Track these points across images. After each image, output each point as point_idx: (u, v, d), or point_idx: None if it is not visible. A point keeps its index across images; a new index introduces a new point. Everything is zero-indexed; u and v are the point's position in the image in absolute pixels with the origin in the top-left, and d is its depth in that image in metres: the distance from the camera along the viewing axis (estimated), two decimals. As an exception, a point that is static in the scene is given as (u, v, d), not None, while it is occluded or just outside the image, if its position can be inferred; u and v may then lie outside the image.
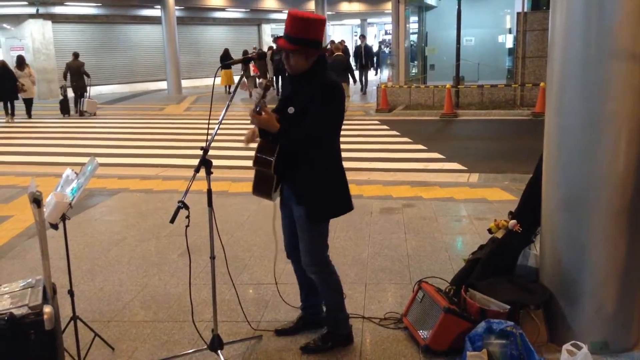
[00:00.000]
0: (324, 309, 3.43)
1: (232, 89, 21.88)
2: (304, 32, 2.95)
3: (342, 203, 3.21)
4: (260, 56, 3.06)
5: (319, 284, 3.28)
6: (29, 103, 16.15)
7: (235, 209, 6.33)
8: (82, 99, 16.70)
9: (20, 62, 16.17)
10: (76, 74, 16.56)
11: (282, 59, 3.09)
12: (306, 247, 3.18)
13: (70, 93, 16.71)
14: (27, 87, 15.85)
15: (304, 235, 3.17)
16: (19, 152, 10.95)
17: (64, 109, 16.49)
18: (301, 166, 3.07)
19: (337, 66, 14.53)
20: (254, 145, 3.20)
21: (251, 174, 3.22)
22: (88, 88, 16.94)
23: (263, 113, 2.94)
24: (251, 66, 19.28)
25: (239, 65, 18.36)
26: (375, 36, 46.61)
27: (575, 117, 3.03)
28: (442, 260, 4.68)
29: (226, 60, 18.29)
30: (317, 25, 2.99)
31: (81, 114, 16.54)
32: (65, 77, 16.74)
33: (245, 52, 20.01)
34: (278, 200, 3.32)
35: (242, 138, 3.28)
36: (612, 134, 2.97)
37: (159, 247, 5.20)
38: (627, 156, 2.98)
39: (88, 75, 16.79)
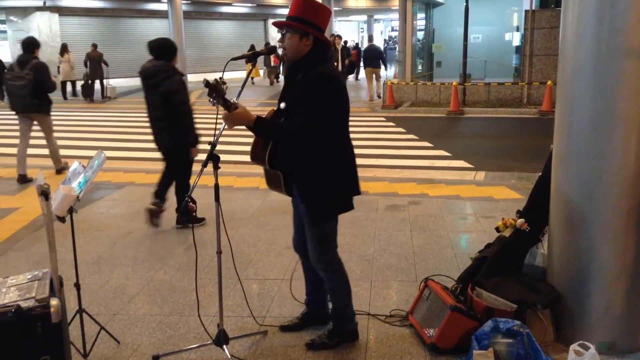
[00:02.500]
0: (330, 305, 3.42)
1: (253, 81, 23.05)
2: (304, 12, 2.93)
3: (343, 202, 3.12)
4: (270, 51, 3.04)
5: (326, 280, 3.27)
6: (64, 85, 18.39)
7: (241, 204, 6.32)
8: (102, 86, 18.90)
9: (63, 48, 18.38)
10: (95, 63, 18.22)
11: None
12: (313, 243, 3.16)
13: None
14: (66, 71, 18.14)
15: (310, 232, 3.15)
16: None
17: (88, 93, 18.29)
18: (302, 163, 3.02)
19: (371, 55, 16.97)
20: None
21: (256, 169, 3.22)
22: (106, 76, 19.07)
23: (235, 109, 2.86)
24: (272, 57, 20.13)
25: (260, 58, 19.69)
26: (381, 33, 46.49)
27: (585, 116, 3.01)
28: (448, 258, 4.67)
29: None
30: (320, 9, 2.97)
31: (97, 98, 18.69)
32: (85, 65, 18.39)
33: (267, 44, 20.57)
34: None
35: (248, 148, 3.18)
36: (623, 133, 2.95)
37: (165, 241, 5.20)
38: (637, 155, 2.95)
39: (107, 64, 18.69)
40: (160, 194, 5.45)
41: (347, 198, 3.13)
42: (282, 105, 3.03)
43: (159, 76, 5.08)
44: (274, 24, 3.03)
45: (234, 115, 2.88)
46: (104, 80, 18.95)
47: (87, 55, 18.46)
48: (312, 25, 2.94)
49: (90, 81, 18.26)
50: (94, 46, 18.76)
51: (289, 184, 3.13)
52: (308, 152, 2.98)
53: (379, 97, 16.75)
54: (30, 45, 7.18)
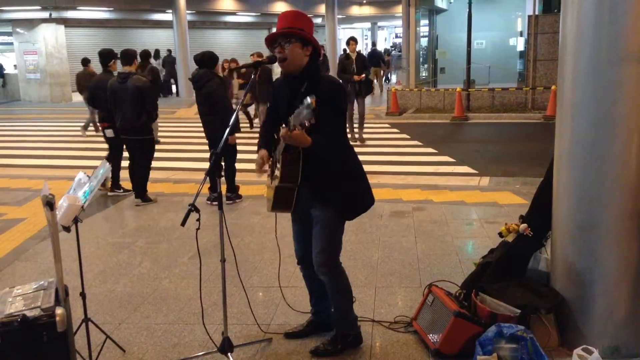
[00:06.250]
0: (333, 311, 3.43)
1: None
2: (296, 22, 2.99)
3: (368, 197, 3.25)
4: (271, 61, 3.07)
5: (328, 284, 3.28)
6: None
7: (245, 212, 6.35)
8: (177, 86, 23.03)
9: (156, 54, 21.59)
10: (169, 65, 22.54)
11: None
12: (323, 246, 3.17)
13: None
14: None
15: (324, 235, 3.15)
16: (32, 155, 11.06)
17: (167, 90, 22.23)
18: (325, 167, 3.08)
19: (374, 57, 20.44)
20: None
21: (260, 176, 3.23)
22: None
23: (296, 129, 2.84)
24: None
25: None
26: (385, 39, 46.60)
27: (586, 119, 3.02)
28: (452, 263, 4.67)
29: None
30: (306, 19, 3.06)
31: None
32: (163, 66, 22.18)
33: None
34: None
35: (254, 167, 3.18)
36: (624, 136, 2.95)
37: (170, 250, 5.23)
38: (638, 159, 2.96)
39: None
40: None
41: (369, 193, 3.25)
42: None
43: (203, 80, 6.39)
44: (273, 35, 3.02)
45: (293, 135, 2.81)
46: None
47: (163, 60, 22.59)
48: (308, 34, 3.01)
49: (167, 80, 22.18)
50: (169, 51, 22.91)
51: (299, 196, 3.13)
52: (335, 155, 3.10)
53: (380, 90, 20.32)
54: (146, 56, 11.18)
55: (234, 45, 28.97)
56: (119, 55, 6.93)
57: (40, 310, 2.63)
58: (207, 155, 7.32)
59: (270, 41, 3.04)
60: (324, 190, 3.11)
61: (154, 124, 10.06)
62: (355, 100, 10.63)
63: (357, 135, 11.03)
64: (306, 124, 2.75)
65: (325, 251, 3.18)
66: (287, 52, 2.98)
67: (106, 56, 7.17)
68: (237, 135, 6.61)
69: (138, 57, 8.81)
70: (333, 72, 18.21)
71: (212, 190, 6.65)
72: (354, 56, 10.57)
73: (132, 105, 6.58)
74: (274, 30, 3.11)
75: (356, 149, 3.30)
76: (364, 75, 10.47)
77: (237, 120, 5.81)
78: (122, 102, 6.64)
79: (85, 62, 12.77)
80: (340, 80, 9.88)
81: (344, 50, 11.43)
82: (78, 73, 13.18)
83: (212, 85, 6.33)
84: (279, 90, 3.23)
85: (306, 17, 3.08)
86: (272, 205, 3.15)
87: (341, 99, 3.07)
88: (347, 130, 9.83)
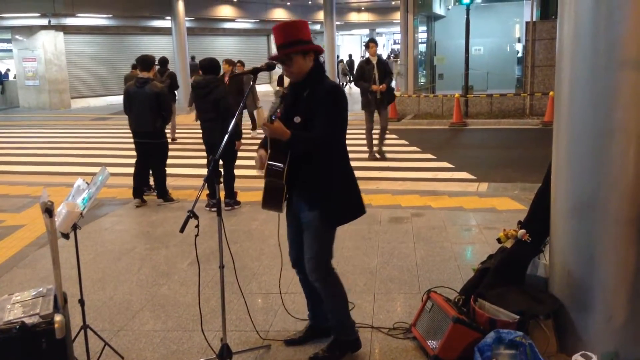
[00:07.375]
0: (329, 316, 3.43)
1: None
2: (293, 34, 3.06)
3: (357, 206, 3.25)
4: (270, 67, 3.10)
5: (322, 291, 3.28)
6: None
7: (244, 218, 6.35)
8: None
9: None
10: (192, 71, 21.95)
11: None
12: (313, 253, 3.19)
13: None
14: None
15: (312, 241, 3.18)
16: (31, 162, 11.06)
17: None
18: (315, 171, 3.11)
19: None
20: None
21: (259, 182, 3.24)
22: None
23: (275, 122, 2.96)
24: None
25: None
26: (384, 46, 46.72)
27: (584, 125, 3.03)
28: (451, 269, 4.67)
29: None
30: (301, 26, 3.13)
31: None
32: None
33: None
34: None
35: (253, 163, 3.26)
36: (621, 142, 2.96)
37: (169, 257, 5.22)
38: (636, 164, 2.97)
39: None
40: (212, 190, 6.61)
41: (361, 202, 3.27)
42: (297, 119, 3.10)
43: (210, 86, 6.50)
44: (272, 58, 3.14)
45: (272, 127, 2.96)
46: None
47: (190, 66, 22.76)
48: (305, 42, 3.07)
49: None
50: (192, 58, 22.82)
51: (289, 198, 3.18)
52: (326, 159, 3.11)
53: None
54: (165, 62, 12.10)
55: (233, 51, 28.99)
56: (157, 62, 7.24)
57: (39, 317, 2.63)
58: (205, 161, 7.37)
59: (276, 60, 3.14)
60: (311, 193, 3.15)
61: (171, 124, 11.05)
62: (377, 112, 9.80)
63: (376, 149, 10.04)
64: (277, 113, 2.97)
65: (315, 258, 3.20)
66: (293, 67, 3.09)
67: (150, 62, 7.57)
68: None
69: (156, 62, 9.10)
70: (331, 75, 18.26)
71: (210, 197, 6.68)
72: (374, 60, 9.63)
73: (148, 109, 6.87)
74: (272, 37, 3.15)
75: (355, 155, 3.30)
76: (384, 85, 9.48)
77: (237, 125, 5.90)
78: (138, 106, 6.92)
79: (135, 66, 13.85)
80: (359, 89, 9.81)
81: (349, 55, 10.86)
82: (126, 75, 14.14)
83: (220, 91, 6.47)
84: (287, 95, 3.31)
85: (298, 24, 3.12)
86: (262, 202, 3.22)
87: (335, 103, 3.07)
88: (367, 144, 9.77)
